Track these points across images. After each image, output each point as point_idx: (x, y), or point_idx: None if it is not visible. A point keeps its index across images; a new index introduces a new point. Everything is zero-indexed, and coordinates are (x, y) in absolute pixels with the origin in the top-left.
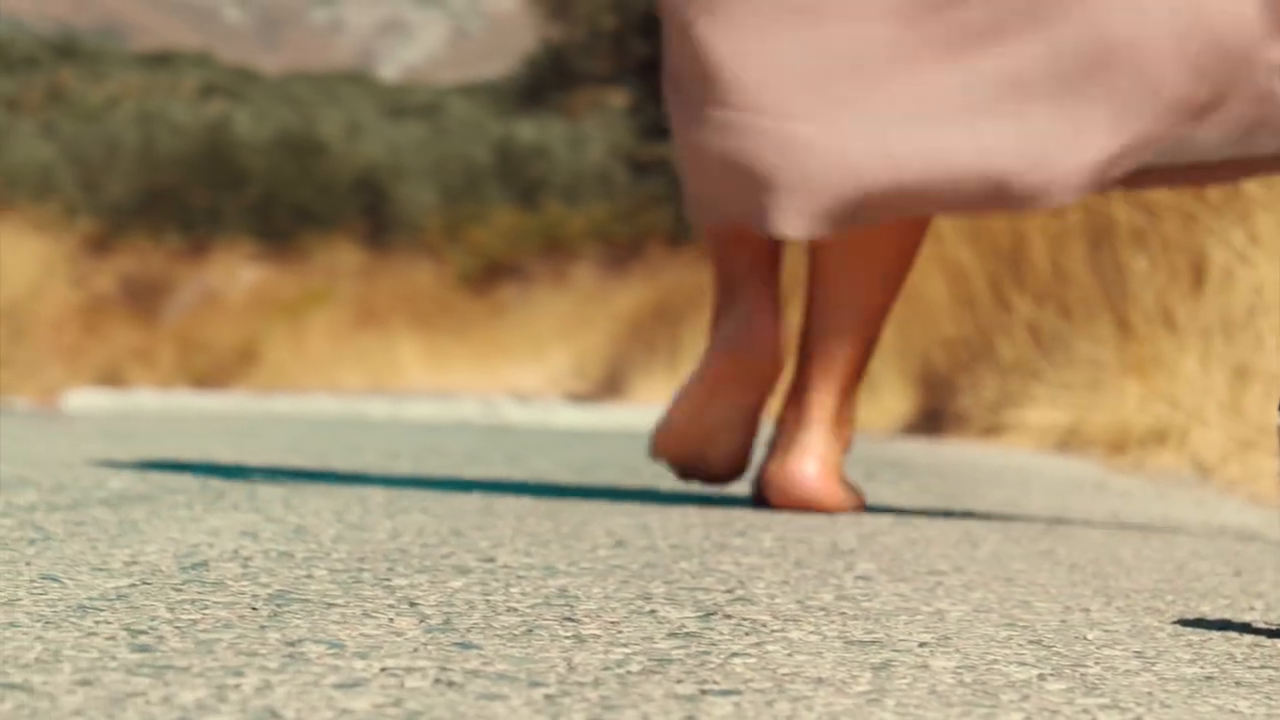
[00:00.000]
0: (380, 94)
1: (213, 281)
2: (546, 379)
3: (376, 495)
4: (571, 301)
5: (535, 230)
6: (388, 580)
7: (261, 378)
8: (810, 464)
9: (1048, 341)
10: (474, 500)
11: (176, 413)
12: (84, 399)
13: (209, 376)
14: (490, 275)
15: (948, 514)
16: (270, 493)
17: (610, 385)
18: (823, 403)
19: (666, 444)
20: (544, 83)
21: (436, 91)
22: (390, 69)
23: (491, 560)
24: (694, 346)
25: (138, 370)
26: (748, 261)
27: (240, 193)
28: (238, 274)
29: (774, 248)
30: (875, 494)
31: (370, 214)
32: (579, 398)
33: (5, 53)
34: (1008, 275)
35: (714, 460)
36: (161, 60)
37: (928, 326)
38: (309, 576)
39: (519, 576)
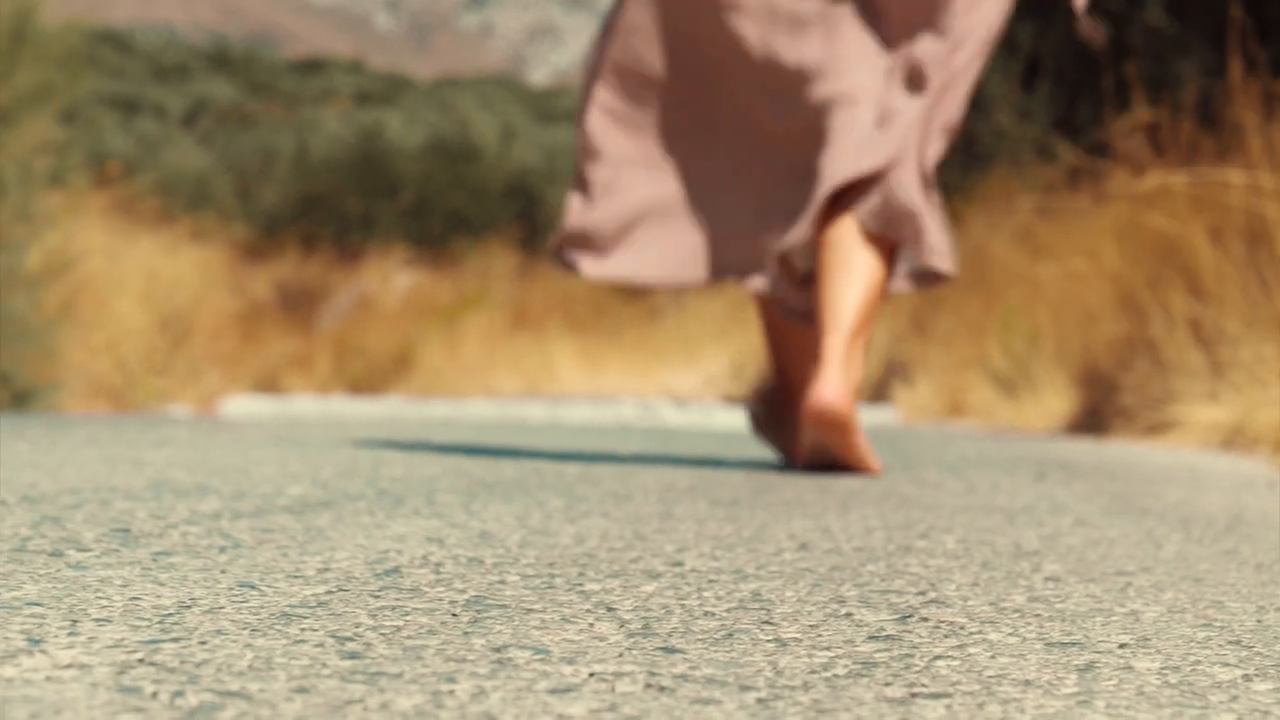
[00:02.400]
0: (531, 98)
1: (367, 288)
2: (702, 382)
3: (554, 500)
4: (726, 304)
5: None
6: (580, 585)
7: (417, 383)
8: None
9: (1209, 339)
10: (652, 504)
11: (335, 418)
12: (242, 405)
13: (365, 382)
14: None
15: (1125, 514)
16: (449, 498)
17: None
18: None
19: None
20: None
21: None
22: (540, 73)
23: (680, 564)
24: None
25: (294, 376)
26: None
27: (394, 199)
28: (392, 280)
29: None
30: (1049, 494)
31: (523, 218)
32: (736, 400)
33: (157, 62)
34: (1167, 274)
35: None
36: (313, 67)
37: (1088, 326)
38: (502, 582)
39: (710, 580)
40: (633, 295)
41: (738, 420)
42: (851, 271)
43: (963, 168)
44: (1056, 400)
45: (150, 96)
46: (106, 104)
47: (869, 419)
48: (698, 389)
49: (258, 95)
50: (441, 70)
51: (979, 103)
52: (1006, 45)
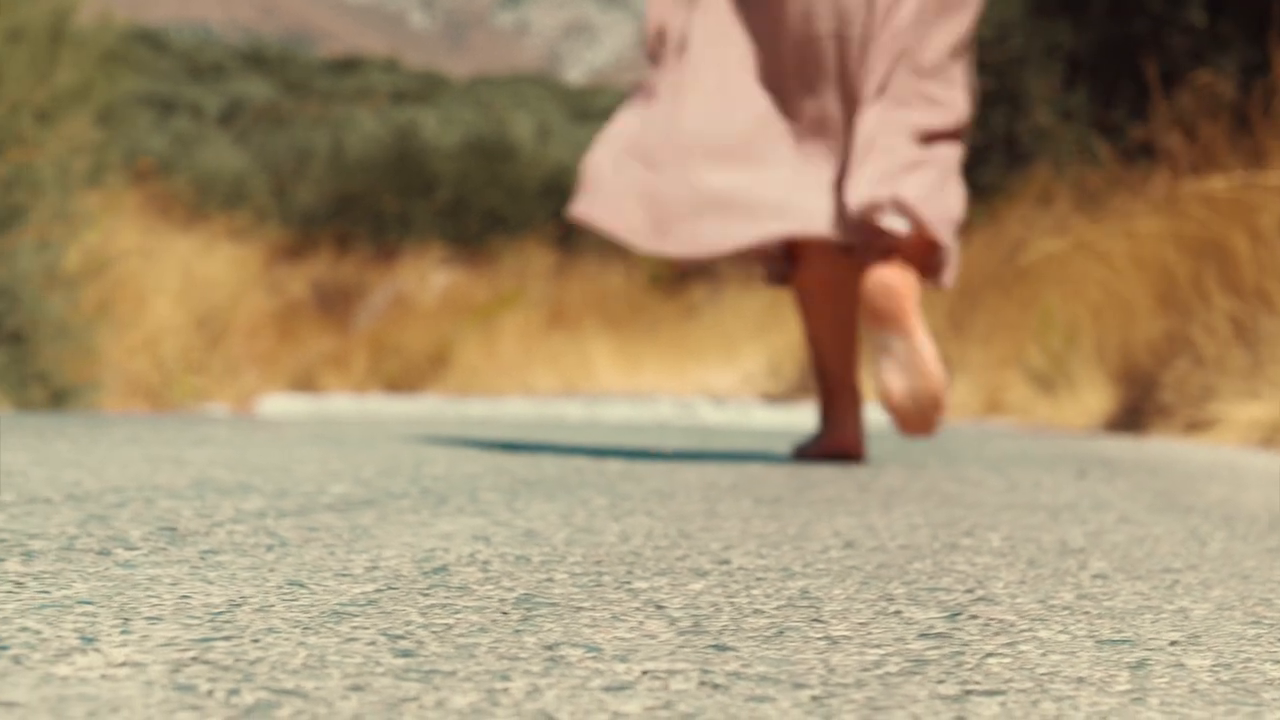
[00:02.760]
0: (567, 96)
1: (404, 286)
2: (739, 380)
3: (597, 498)
4: (763, 302)
5: None
6: (629, 583)
7: (453, 381)
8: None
9: (1249, 337)
10: (696, 502)
11: (373, 417)
12: (279, 404)
13: (401, 381)
14: (681, 276)
15: (1168, 511)
16: (492, 497)
17: (804, 385)
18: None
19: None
20: None
21: (622, 94)
22: (576, 71)
23: (727, 562)
24: None
25: (330, 375)
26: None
27: (430, 198)
28: (429, 278)
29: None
30: (1091, 492)
31: (560, 217)
32: (773, 398)
33: (193, 61)
34: (1207, 272)
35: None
36: (349, 66)
37: (1127, 324)
38: (550, 580)
39: (758, 578)
40: (670, 293)
41: (775, 418)
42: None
43: (1003, 167)
44: (1095, 398)
45: (186, 95)
46: (143, 103)
47: None
48: (735, 387)
49: (293, 94)
50: (477, 68)
51: (1019, 102)
52: (1046, 45)
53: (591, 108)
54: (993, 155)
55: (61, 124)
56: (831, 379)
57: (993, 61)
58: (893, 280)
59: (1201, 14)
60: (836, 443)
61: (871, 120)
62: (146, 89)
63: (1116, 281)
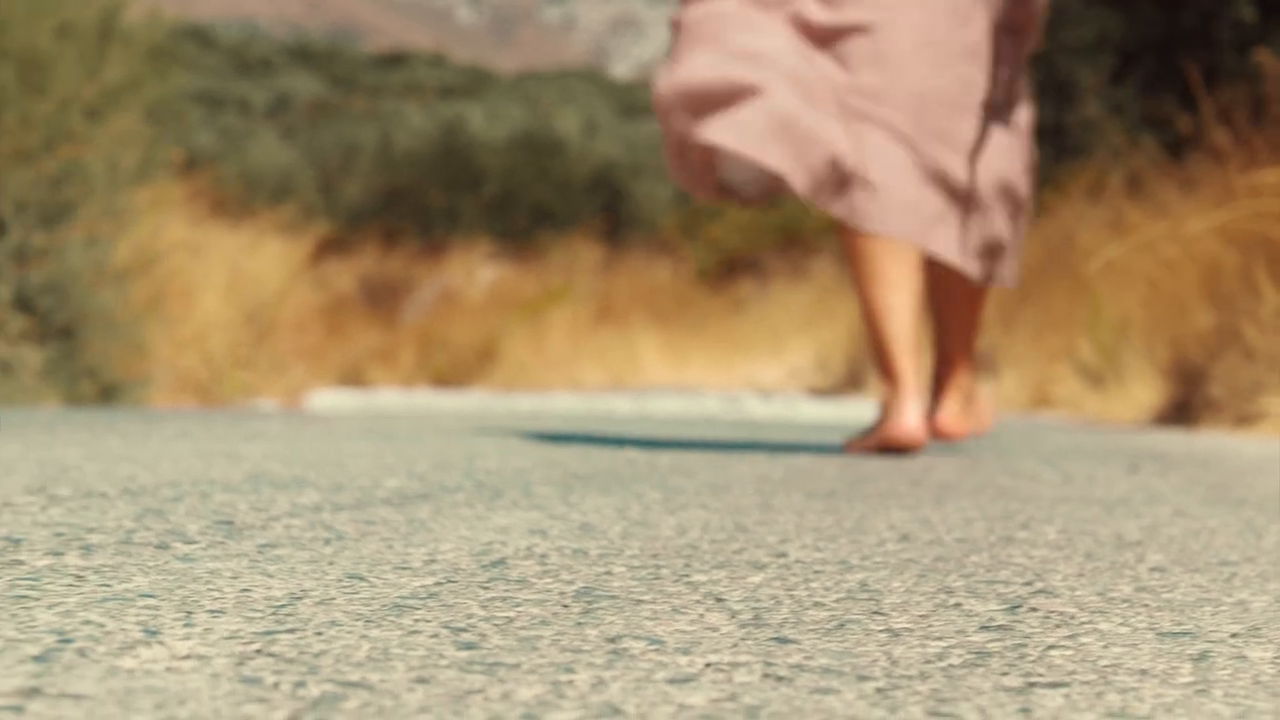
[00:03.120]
0: (613, 92)
1: (451, 281)
2: (787, 373)
3: (651, 492)
4: (810, 296)
5: (772, 225)
6: (687, 576)
7: (501, 376)
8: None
9: None
10: (750, 495)
11: (421, 411)
12: (327, 399)
13: (449, 375)
14: (728, 271)
15: (1222, 504)
16: (546, 490)
17: (852, 379)
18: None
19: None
20: None
21: None
22: (623, 66)
23: (784, 555)
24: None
25: (378, 370)
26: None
27: (477, 192)
28: (476, 273)
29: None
30: (1144, 485)
31: (607, 212)
32: (821, 392)
33: (240, 56)
34: (1256, 265)
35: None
36: (396, 61)
37: (1176, 317)
38: (609, 573)
39: (816, 571)
40: (717, 287)
41: (823, 412)
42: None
43: (1053, 159)
44: (1144, 391)
45: (233, 91)
46: (190, 99)
47: None
48: (782, 381)
49: (340, 89)
50: (523, 63)
51: (1068, 94)
52: (1096, 38)
53: (638, 102)
54: (1041, 146)
55: (111, 120)
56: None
57: (1042, 52)
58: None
59: (1251, 9)
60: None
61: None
62: (194, 85)
63: (1166, 275)
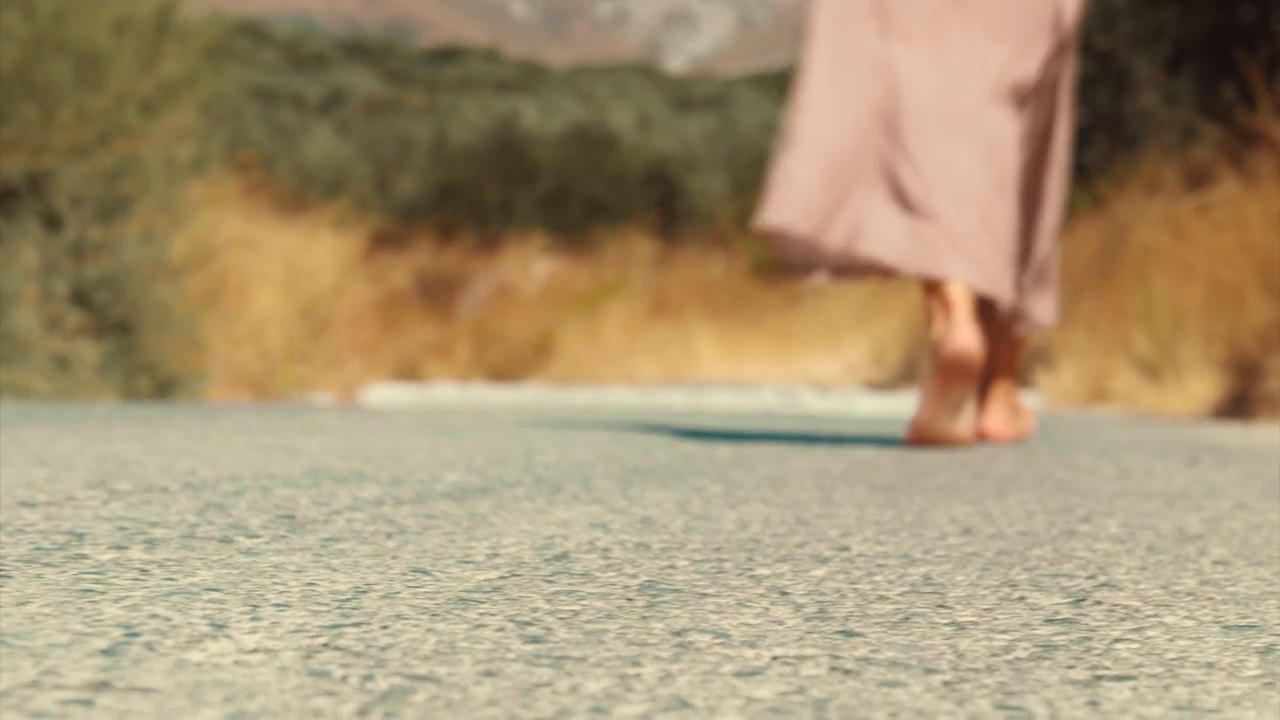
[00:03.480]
0: (668, 85)
1: (506, 275)
2: (843, 368)
3: (711, 486)
4: (867, 290)
5: None
6: (750, 570)
7: (556, 370)
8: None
9: None
10: (809, 489)
11: (477, 406)
12: (383, 393)
13: (504, 370)
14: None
15: None
16: (605, 484)
17: (908, 373)
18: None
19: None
20: None
21: (724, 82)
22: (677, 60)
23: (846, 549)
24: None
25: (433, 364)
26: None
27: (532, 187)
28: (531, 267)
29: None
30: (1204, 479)
31: (662, 206)
32: (877, 386)
33: (295, 51)
34: None
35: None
36: (450, 56)
37: (1233, 310)
38: (672, 567)
39: (879, 565)
40: (773, 282)
41: (879, 406)
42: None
43: (1109, 150)
44: (1201, 385)
45: (288, 86)
46: (245, 94)
47: None
48: (839, 375)
49: (395, 84)
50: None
51: (1125, 85)
52: (1152, 29)
53: (692, 97)
54: (1097, 135)
55: (167, 116)
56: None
57: (1099, 43)
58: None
59: None
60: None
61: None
62: (249, 80)
63: (1223, 268)
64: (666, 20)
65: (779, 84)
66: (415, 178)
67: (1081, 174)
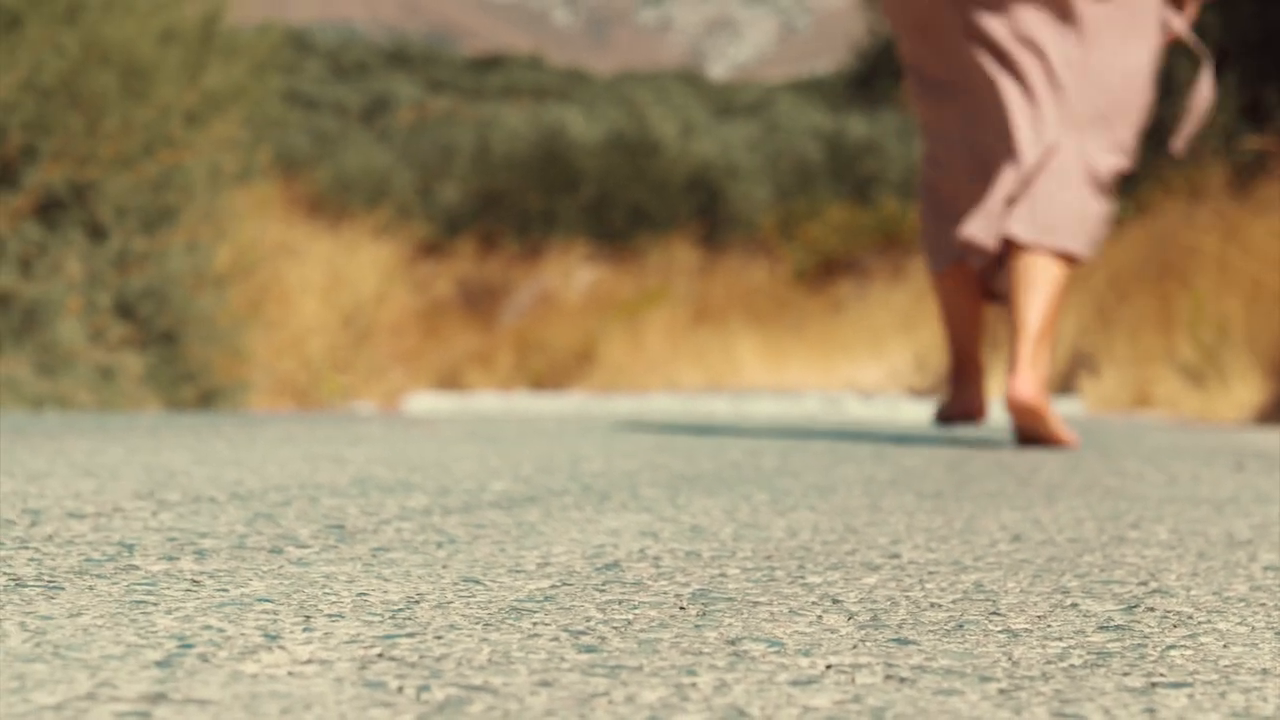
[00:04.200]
0: (710, 93)
1: (549, 283)
2: (886, 374)
3: (759, 494)
4: (909, 296)
5: (870, 225)
6: (802, 578)
7: (599, 378)
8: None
9: None
10: (857, 496)
11: (521, 414)
12: (425, 402)
13: (547, 378)
14: (826, 272)
15: None
16: (653, 493)
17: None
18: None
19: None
20: (874, 76)
21: (766, 89)
22: (719, 67)
23: (897, 556)
24: None
25: (476, 373)
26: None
27: (574, 194)
28: (574, 275)
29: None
30: (1251, 484)
31: (704, 213)
32: (920, 393)
33: (337, 60)
34: None
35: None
36: (493, 64)
37: (1278, 316)
38: (723, 575)
39: (930, 572)
40: (816, 288)
41: (923, 412)
42: (1034, 283)
43: (1151, 156)
44: (1245, 390)
45: (330, 94)
46: (286, 102)
47: (1054, 411)
48: (882, 382)
49: (437, 92)
50: (620, 65)
51: (1168, 90)
52: (1194, 33)
53: (734, 103)
54: (1141, 143)
55: (211, 126)
56: (962, 355)
57: None
58: (1032, 401)
59: None
60: (964, 407)
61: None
62: (291, 88)
63: (1268, 272)
64: (709, 27)
65: (821, 90)
66: (458, 186)
67: (1124, 180)
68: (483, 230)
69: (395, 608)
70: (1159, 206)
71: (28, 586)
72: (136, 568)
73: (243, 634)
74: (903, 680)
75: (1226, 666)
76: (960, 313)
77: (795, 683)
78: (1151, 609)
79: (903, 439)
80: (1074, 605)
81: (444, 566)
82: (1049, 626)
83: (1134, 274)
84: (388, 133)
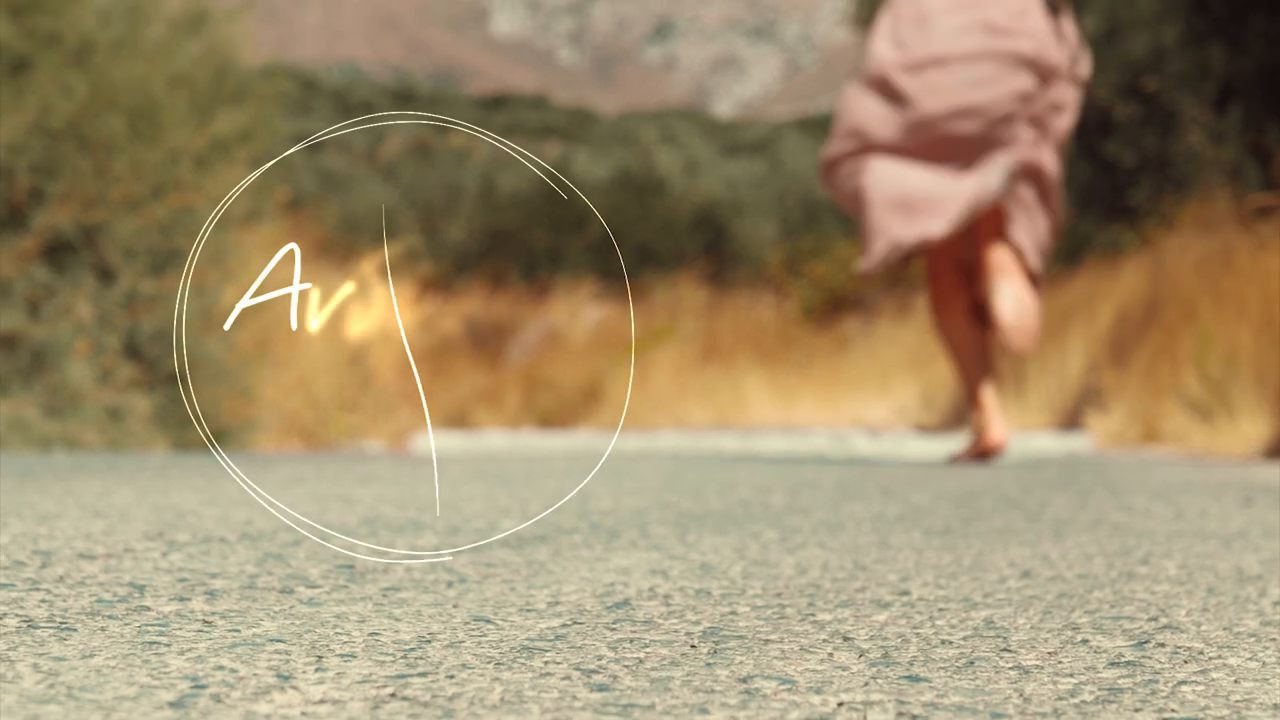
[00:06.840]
0: (716, 130)
1: (556, 322)
2: (893, 411)
3: (768, 531)
4: (916, 333)
5: None
6: (812, 615)
7: (606, 416)
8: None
9: None
10: (866, 534)
11: (529, 452)
12: (433, 441)
13: (554, 416)
14: (833, 308)
15: None
16: (662, 531)
17: (959, 416)
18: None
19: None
20: None
21: (772, 126)
22: (725, 105)
23: (907, 593)
24: (1039, 374)
25: (483, 411)
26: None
27: (580, 233)
28: (580, 314)
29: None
30: (1259, 519)
31: (711, 251)
32: (928, 429)
33: (343, 99)
34: None
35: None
36: (498, 103)
37: None
38: (733, 613)
39: (940, 609)
40: (823, 326)
41: (930, 449)
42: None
43: (1156, 191)
44: (1253, 425)
45: (336, 133)
46: (292, 141)
47: (1062, 447)
48: (889, 419)
49: (443, 132)
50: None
51: (1172, 125)
52: (1199, 69)
53: (740, 141)
54: (1144, 176)
55: (219, 170)
56: (973, 391)
57: (1147, 84)
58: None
59: None
60: (982, 446)
61: None
62: (297, 128)
63: (1275, 307)
64: (714, 65)
65: (826, 127)
66: (464, 225)
67: (1130, 215)
68: (489, 269)
69: (407, 647)
70: (1163, 242)
71: (40, 628)
72: (148, 608)
73: (255, 674)
74: (915, 717)
75: (1238, 701)
76: (969, 347)
77: None
78: (1162, 645)
79: (907, 475)
80: (1084, 641)
81: (454, 606)
82: (1060, 663)
83: (1142, 308)
84: (393, 172)
